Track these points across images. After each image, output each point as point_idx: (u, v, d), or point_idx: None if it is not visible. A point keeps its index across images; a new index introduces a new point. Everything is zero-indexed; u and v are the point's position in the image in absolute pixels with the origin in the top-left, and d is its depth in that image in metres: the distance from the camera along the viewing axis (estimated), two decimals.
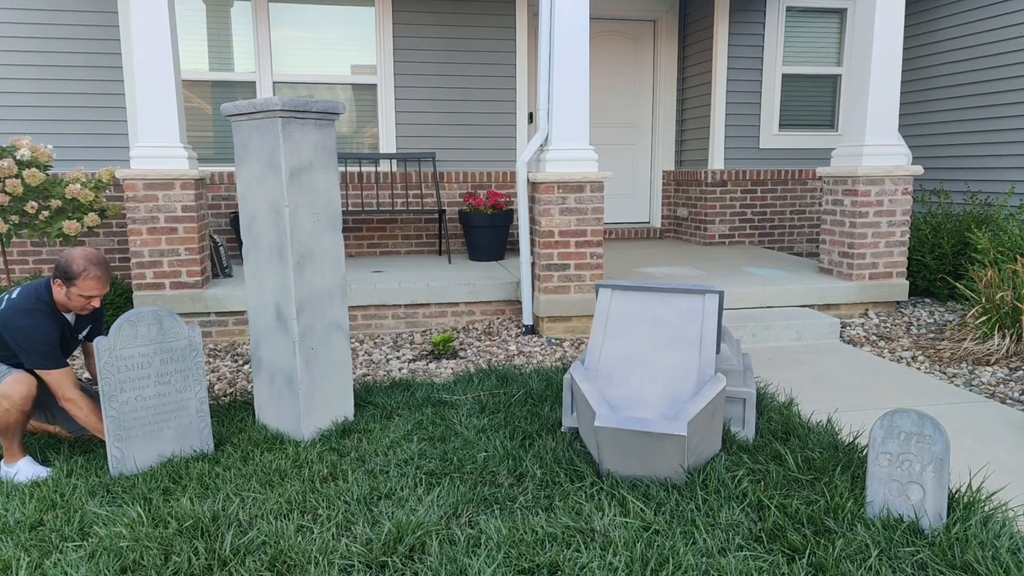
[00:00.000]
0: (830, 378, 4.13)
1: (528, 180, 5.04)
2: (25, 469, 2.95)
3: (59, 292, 2.95)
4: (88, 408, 2.95)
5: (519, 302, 5.34)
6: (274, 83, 6.54)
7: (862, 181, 5.32)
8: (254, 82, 6.51)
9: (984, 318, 4.59)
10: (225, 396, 3.91)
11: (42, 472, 2.95)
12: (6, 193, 4.15)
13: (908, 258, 5.73)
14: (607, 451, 2.72)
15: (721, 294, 3.00)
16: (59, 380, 2.92)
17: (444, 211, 6.38)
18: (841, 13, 7.47)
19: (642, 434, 2.62)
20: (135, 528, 2.43)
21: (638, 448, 2.67)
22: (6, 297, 3.01)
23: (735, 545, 2.32)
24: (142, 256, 4.79)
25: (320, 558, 2.26)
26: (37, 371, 2.91)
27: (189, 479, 2.83)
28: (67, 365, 2.96)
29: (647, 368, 2.88)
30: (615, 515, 2.49)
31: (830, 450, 2.96)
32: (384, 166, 6.80)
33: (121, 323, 2.87)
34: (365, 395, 3.76)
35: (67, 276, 2.90)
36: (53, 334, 2.93)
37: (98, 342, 2.82)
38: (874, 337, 4.97)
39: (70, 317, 3.09)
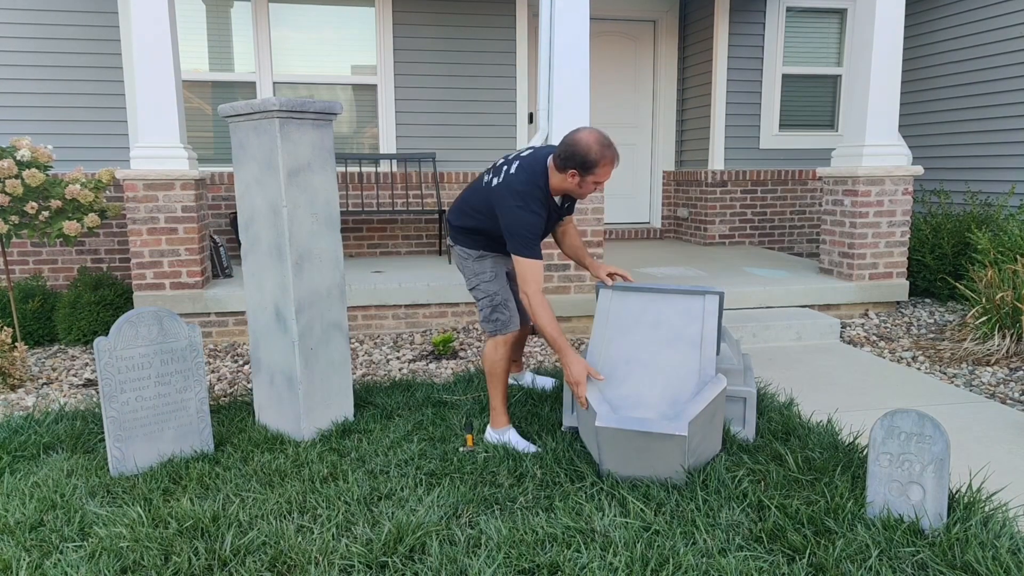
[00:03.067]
0: (830, 378, 4.12)
1: None
2: (517, 438, 3.11)
3: (569, 181, 2.88)
4: (545, 311, 2.86)
5: None
6: (274, 83, 6.54)
7: (862, 181, 5.31)
8: (254, 82, 6.51)
9: (984, 318, 4.58)
10: (225, 396, 3.91)
11: (532, 448, 3.06)
12: (6, 194, 4.15)
13: (908, 258, 5.72)
14: (607, 451, 2.72)
15: (721, 295, 3.00)
16: (527, 270, 2.86)
17: (444, 211, 6.38)
18: (841, 13, 7.47)
19: (642, 434, 2.62)
20: (135, 528, 2.43)
21: (639, 448, 2.67)
22: (505, 168, 3.00)
23: (735, 545, 2.32)
24: (142, 256, 4.79)
25: (320, 558, 2.26)
26: (513, 254, 2.91)
27: (189, 479, 2.83)
28: (541, 257, 2.89)
29: (648, 369, 2.88)
30: (615, 515, 2.49)
31: (830, 450, 2.96)
32: (384, 166, 6.80)
33: (121, 324, 2.87)
34: (365, 395, 3.76)
35: (586, 165, 2.81)
36: (539, 224, 2.90)
37: (98, 343, 2.82)
38: (874, 337, 4.97)
39: (557, 199, 3.06)
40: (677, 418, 2.65)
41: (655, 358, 2.90)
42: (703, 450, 2.80)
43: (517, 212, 2.87)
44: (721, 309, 3.00)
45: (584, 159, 2.80)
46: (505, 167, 3.03)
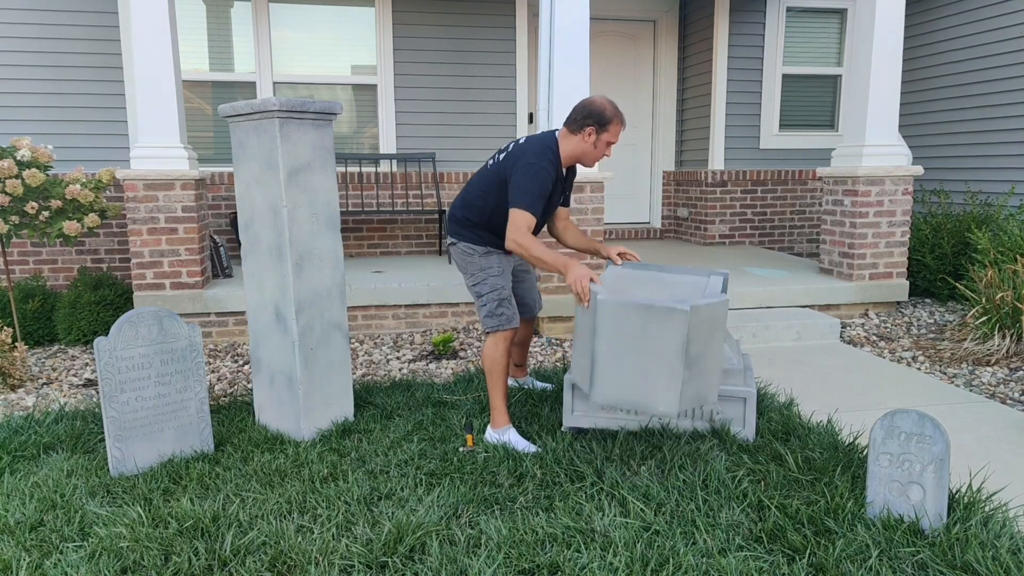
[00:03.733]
0: (830, 378, 4.12)
1: None
2: (517, 438, 3.10)
3: (585, 141, 3.04)
4: (536, 245, 2.92)
5: None
6: (274, 83, 6.54)
7: (862, 181, 5.31)
8: (254, 82, 6.51)
9: (984, 318, 4.58)
10: (225, 396, 3.91)
11: (532, 448, 3.06)
12: (6, 194, 4.15)
13: (908, 258, 5.72)
14: (603, 343, 2.65)
15: (726, 276, 3.02)
16: (521, 219, 2.93)
17: (444, 211, 6.38)
18: (841, 13, 7.47)
19: (644, 310, 2.57)
20: (135, 528, 2.43)
21: (638, 336, 2.60)
22: (511, 145, 3.17)
23: (735, 545, 2.32)
24: (142, 256, 4.79)
25: (320, 558, 2.26)
26: (511, 207, 2.96)
27: (189, 479, 2.83)
28: (538, 216, 2.99)
29: (653, 292, 2.93)
30: (615, 515, 2.49)
31: (830, 450, 2.96)
32: (384, 166, 6.80)
33: (121, 324, 2.87)
34: (365, 395, 3.76)
35: (602, 122, 3.01)
36: (547, 183, 3.00)
37: (98, 343, 2.82)
38: (874, 337, 4.97)
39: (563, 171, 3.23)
40: (681, 303, 2.64)
41: (659, 293, 2.95)
42: (700, 382, 2.72)
43: (529, 167, 2.97)
44: (725, 290, 3.00)
45: (601, 115, 3.01)
46: (511, 144, 3.17)
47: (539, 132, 3.18)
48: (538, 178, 2.96)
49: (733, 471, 2.80)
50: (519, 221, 2.93)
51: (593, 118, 3.01)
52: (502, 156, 3.15)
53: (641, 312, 2.58)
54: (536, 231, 3.26)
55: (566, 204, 3.40)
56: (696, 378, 2.71)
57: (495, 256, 3.23)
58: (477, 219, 3.19)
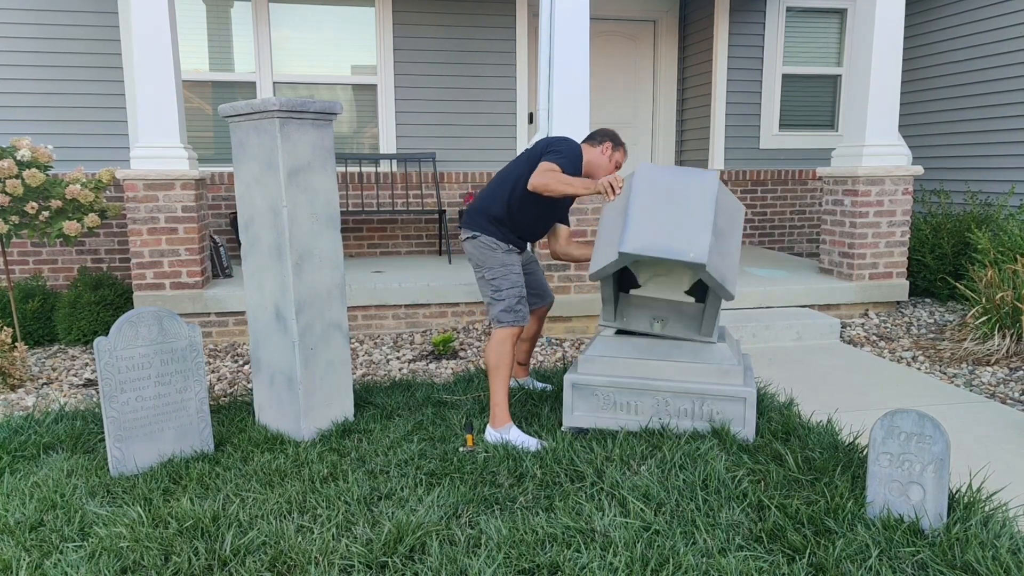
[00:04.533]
0: (830, 378, 4.12)
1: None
2: (519, 435, 3.14)
3: (601, 155, 3.39)
4: (562, 174, 3.10)
5: None
6: (274, 83, 6.54)
7: (862, 181, 5.31)
8: (254, 82, 6.51)
9: (984, 318, 4.58)
10: (225, 396, 3.91)
11: (534, 442, 3.10)
12: (6, 194, 4.15)
13: (908, 258, 5.72)
14: (638, 204, 2.84)
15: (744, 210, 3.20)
16: (547, 166, 3.13)
17: (444, 211, 6.38)
18: (841, 13, 7.47)
19: (678, 170, 2.84)
20: (135, 528, 2.43)
21: (671, 192, 2.84)
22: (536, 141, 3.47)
23: (735, 545, 2.32)
24: (142, 256, 4.79)
25: (320, 558, 2.26)
26: (544, 160, 3.17)
27: (189, 479, 2.83)
28: (568, 172, 3.16)
29: None
30: (615, 515, 2.49)
31: (830, 450, 2.96)
32: (384, 166, 6.80)
33: (121, 324, 2.87)
34: (365, 395, 3.76)
35: (616, 142, 3.42)
36: (578, 156, 3.25)
37: (98, 343, 2.82)
38: (874, 337, 4.97)
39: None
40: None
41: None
42: (723, 257, 2.86)
43: (564, 140, 3.26)
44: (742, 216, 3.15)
45: (616, 137, 3.43)
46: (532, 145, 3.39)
47: (539, 134, 3.41)
48: (571, 151, 3.20)
49: (733, 471, 2.80)
50: (545, 166, 3.13)
51: (610, 137, 3.39)
52: (530, 146, 3.37)
53: (676, 172, 2.83)
54: (542, 233, 3.43)
55: (566, 222, 3.56)
56: (721, 253, 2.87)
57: (515, 255, 3.34)
58: (502, 209, 3.28)
